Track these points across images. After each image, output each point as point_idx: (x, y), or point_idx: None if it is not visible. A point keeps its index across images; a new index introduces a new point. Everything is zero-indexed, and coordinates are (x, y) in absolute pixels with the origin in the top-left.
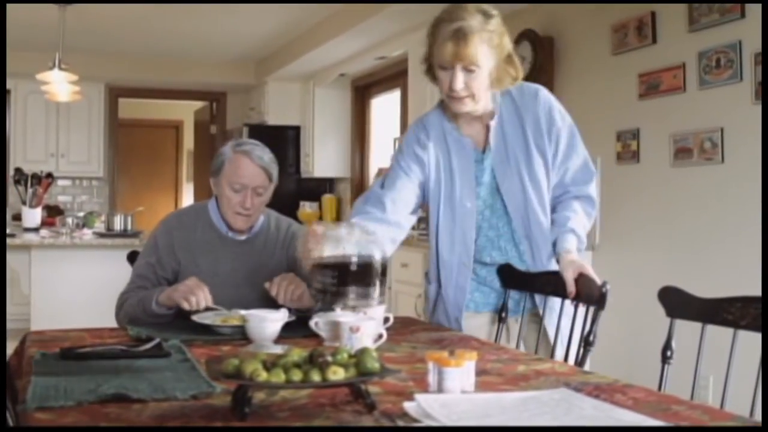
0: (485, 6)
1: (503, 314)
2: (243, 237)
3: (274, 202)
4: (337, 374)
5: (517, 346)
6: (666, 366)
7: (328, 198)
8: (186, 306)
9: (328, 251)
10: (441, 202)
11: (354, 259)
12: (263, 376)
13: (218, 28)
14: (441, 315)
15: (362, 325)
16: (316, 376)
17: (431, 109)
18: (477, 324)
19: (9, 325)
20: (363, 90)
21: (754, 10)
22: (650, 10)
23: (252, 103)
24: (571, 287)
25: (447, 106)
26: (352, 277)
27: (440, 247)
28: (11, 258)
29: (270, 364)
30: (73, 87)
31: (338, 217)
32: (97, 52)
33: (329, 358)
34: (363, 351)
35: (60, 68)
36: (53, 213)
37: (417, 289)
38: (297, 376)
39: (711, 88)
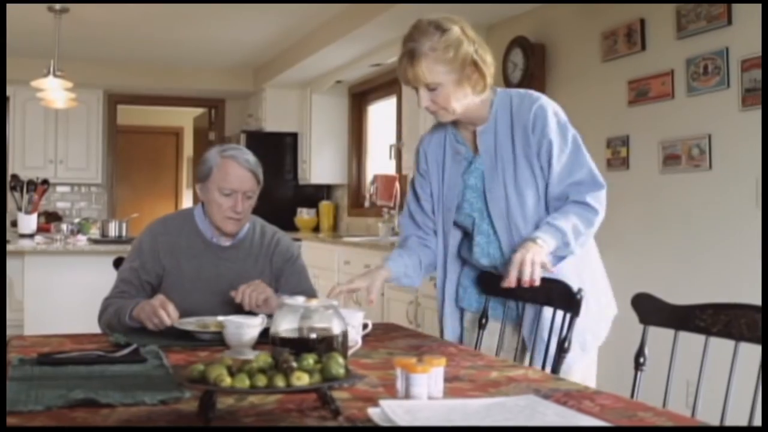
0: (443, 19)
1: (483, 321)
2: (227, 243)
3: (271, 208)
4: (301, 380)
5: (497, 353)
6: (639, 373)
7: (325, 204)
8: (151, 327)
9: (285, 324)
10: (440, 209)
11: (312, 335)
12: (227, 381)
13: (216, 35)
14: (448, 317)
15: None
16: (280, 382)
17: None
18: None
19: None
20: (360, 97)
21: (741, 17)
22: (639, 17)
23: (250, 110)
24: (510, 282)
25: None
26: (311, 352)
27: (442, 247)
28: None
29: (235, 370)
30: (69, 94)
31: (335, 223)
32: (95, 59)
33: (294, 364)
34: (329, 356)
35: (55, 75)
36: (52, 219)
37: (409, 296)
38: (261, 381)
39: (699, 95)
